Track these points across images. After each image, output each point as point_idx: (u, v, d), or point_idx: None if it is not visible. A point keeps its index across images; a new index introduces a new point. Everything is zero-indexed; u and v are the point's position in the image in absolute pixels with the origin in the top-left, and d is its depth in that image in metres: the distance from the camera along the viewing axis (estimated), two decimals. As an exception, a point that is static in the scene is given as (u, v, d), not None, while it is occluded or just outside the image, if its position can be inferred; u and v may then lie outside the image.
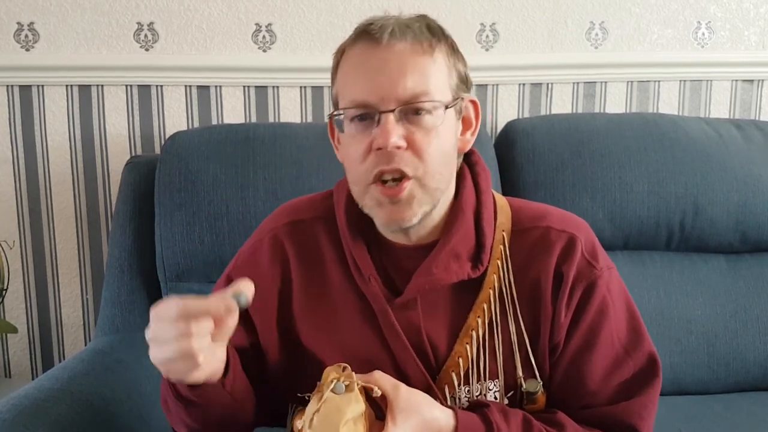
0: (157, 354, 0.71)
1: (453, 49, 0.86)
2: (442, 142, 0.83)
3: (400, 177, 0.81)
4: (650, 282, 1.48)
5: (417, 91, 0.80)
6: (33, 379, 1.70)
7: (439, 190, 0.84)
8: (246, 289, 0.72)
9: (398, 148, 0.79)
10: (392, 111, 0.79)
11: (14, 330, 1.60)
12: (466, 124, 0.90)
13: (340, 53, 0.86)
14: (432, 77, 0.81)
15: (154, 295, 1.42)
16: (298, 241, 0.94)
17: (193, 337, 0.68)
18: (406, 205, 0.82)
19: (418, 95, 0.80)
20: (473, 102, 0.90)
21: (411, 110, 0.80)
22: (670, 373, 1.44)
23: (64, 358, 1.73)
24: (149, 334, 0.71)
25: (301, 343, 0.91)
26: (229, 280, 0.95)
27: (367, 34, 0.82)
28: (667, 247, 1.52)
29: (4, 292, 1.61)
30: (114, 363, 1.26)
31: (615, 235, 1.48)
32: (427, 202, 0.83)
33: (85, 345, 1.67)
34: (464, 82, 0.87)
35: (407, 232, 0.88)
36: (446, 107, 0.82)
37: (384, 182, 0.81)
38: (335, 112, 0.86)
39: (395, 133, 0.79)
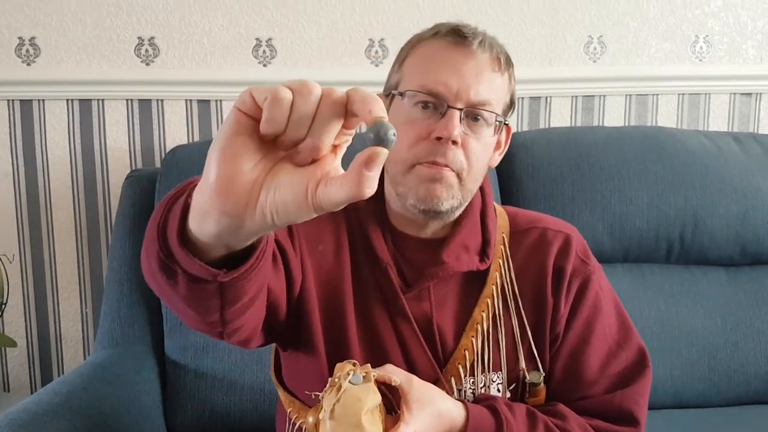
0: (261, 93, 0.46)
1: (513, 78, 0.93)
2: (486, 152, 0.90)
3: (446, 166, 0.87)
4: (650, 295, 1.47)
5: (484, 98, 0.86)
6: (32, 393, 1.69)
7: (471, 192, 0.91)
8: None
9: (455, 143, 0.85)
10: (460, 109, 0.85)
11: (13, 344, 1.60)
12: (497, 144, 0.95)
13: (416, 42, 0.91)
14: (497, 92, 0.88)
15: (154, 309, 1.41)
16: (345, 220, 0.94)
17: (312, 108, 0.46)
18: (444, 186, 0.87)
19: (483, 103, 0.87)
20: (508, 127, 0.96)
21: (472, 115, 0.87)
22: (671, 387, 1.44)
23: (63, 372, 1.72)
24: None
25: (343, 323, 0.89)
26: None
27: (458, 33, 0.87)
28: (666, 259, 1.52)
29: (3, 305, 1.61)
30: (113, 377, 1.26)
31: (615, 248, 1.48)
32: (458, 197, 0.89)
33: (85, 359, 1.67)
34: (510, 107, 0.94)
35: (425, 224, 0.92)
36: (498, 125, 0.89)
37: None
38: (401, 90, 0.89)
39: (458, 128, 0.85)
